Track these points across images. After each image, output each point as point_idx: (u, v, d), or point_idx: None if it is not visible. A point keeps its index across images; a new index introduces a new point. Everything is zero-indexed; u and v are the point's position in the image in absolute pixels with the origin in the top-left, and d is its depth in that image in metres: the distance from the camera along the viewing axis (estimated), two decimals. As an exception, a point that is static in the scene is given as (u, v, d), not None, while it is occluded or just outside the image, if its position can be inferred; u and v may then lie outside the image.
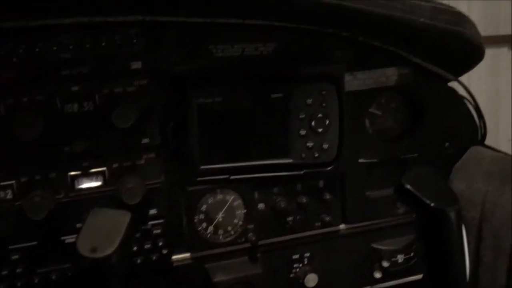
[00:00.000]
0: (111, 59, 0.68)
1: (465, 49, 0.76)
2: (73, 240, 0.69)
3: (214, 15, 0.69)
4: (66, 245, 0.69)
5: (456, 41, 0.73)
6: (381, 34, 0.73)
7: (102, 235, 0.52)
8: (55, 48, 0.66)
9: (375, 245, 0.86)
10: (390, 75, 0.81)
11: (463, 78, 0.85)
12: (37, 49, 0.65)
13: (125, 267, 0.57)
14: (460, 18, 0.72)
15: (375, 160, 0.83)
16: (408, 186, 0.59)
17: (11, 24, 0.62)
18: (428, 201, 0.58)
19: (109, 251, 0.50)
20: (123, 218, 0.55)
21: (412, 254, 0.87)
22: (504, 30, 3.08)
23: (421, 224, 0.62)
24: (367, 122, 0.84)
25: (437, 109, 0.84)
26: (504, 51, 3.16)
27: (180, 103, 0.72)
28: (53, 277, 0.69)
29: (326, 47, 0.76)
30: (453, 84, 0.86)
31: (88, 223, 0.55)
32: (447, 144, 0.86)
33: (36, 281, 0.68)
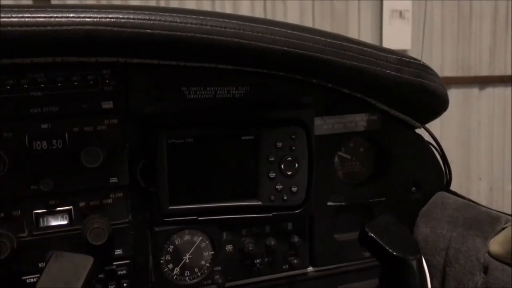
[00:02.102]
0: (82, 98, 0.68)
1: (430, 100, 0.79)
2: (34, 280, 0.68)
3: (187, 59, 0.70)
4: (27, 285, 0.68)
5: (421, 92, 0.76)
6: (349, 82, 0.76)
7: (62, 282, 0.51)
8: (25, 86, 0.66)
9: (342, 288, 0.86)
10: (358, 120, 0.83)
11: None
12: (7, 86, 0.65)
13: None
14: (424, 69, 0.75)
15: (343, 203, 0.84)
16: (371, 234, 0.60)
17: (-19, 62, 0.62)
18: (390, 250, 0.59)
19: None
20: (85, 263, 0.54)
21: (378, 297, 0.88)
22: (474, 71, 3.21)
23: (384, 272, 0.62)
24: (336, 166, 0.85)
25: (404, 154, 0.87)
26: (475, 91, 3.28)
27: (150, 143, 0.72)
28: None
29: (296, 92, 0.78)
30: (420, 130, 0.89)
31: (48, 268, 0.54)
32: (413, 189, 0.88)
33: None
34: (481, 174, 3.22)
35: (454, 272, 0.80)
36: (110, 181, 0.70)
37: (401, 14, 3.16)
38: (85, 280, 0.52)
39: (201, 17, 0.62)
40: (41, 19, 0.57)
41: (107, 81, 0.69)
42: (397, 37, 3.09)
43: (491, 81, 3.25)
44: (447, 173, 0.90)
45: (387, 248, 0.59)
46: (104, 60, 0.68)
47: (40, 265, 0.68)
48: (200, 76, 0.73)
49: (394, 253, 0.59)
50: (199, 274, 0.78)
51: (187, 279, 0.77)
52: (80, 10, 0.58)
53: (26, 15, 0.56)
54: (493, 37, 3.25)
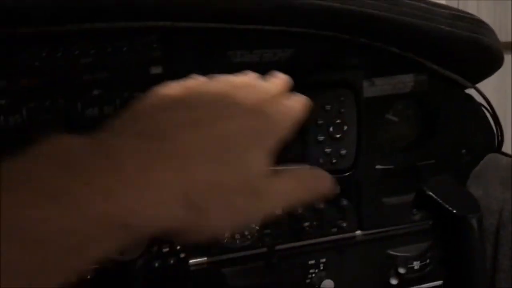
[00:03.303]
0: (131, 64, 0.68)
1: (484, 56, 0.76)
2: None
3: (233, 21, 0.69)
4: None
5: (475, 48, 0.73)
6: (400, 41, 0.74)
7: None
8: (76, 53, 0.66)
9: (391, 252, 0.86)
10: (407, 81, 0.81)
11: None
12: (58, 54, 0.66)
13: (147, 270, 0.57)
14: (479, 25, 0.72)
15: (391, 167, 0.83)
16: (430, 193, 0.59)
17: (34, 30, 0.63)
18: (450, 208, 0.58)
19: (136, 254, 0.50)
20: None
21: (428, 261, 0.87)
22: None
23: (441, 231, 0.61)
24: (383, 129, 0.84)
25: (454, 116, 0.84)
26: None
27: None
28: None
29: (343, 53, 0.76)
30: (470, 91, 0.86)
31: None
32: (463, 151, 0.86)
33: None
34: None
35: (508, 234, 0.78)
36: None
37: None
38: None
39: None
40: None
41: (155, 45, 0.69)
42: None
43: (531, 46, 3.12)
44: (499, 134, 0.87)
45: (447, 206, 0.58)
46: (151, 25, 0.67)
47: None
48: (246, 39, 0.72)
49: (454, 211, 0.57)
50: (249, 237, 0.79)
51: (237, 242, 0.78)
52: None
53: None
54: (534, 0, 3.10)
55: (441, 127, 0.84)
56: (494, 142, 0.88)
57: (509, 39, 3.04)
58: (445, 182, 0.61)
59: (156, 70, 0.69)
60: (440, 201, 0.58)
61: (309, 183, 0.43)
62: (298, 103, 0.45)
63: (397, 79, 0.80)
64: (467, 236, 0.58)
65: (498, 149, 0.88)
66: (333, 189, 0.44)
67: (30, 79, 0.65)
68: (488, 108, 0.87)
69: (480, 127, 0.86)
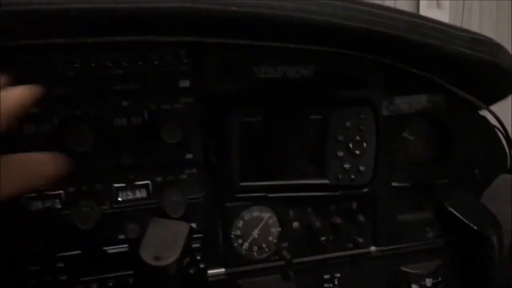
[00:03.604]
0: (161, 76, 0.70)
1: (501, 80, 0.78)
2: (115, 251, 0.71)
3: (259, 38, 0.72)
4: (108, 255, 0.71)
5: (494, 71, 0.76)
6: (419, 61, 0.76)
7: (164, 245, 0.54)
8: (109, 64, 0.68)
9: (404, 268, 0.87)
10: (424, 101, 0.83)
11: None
12: (92, 64, 0.68)
13: (177, 277, 0.58)
14: (498, 49, 0.74)
15: (407, 184, 0.84)
16: (451, 209, 0.61)
17: (68, 41, 0.65)
18: (471, 225, 0.59)
19: (171, 260, 0.51)
20: (183, 229, 0.56)
21: (439, 278, 0.88)
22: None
23: (461, 248, 0.63)
24: (399, 147, 0.86)
25: (468, 136, 0.86)
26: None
27: (222, 121, 0.74)
28: (94, 287, 0.70)
29: (364, 72, 0.78)
30: (483, 112, 0.88)
31: (149, 232, 0.57)
32: (476, 170, 0.88)
33: None
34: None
35: (520, 253, 0.79)
36: (186, 157, 0.73)
37: (438, 4, 3.11)
38: (184, 243, 0.54)
39: (281, -5, 0.63)
40: (135, -4, 0.59)
41: (184, 60, 0.71)
42: (435, 26, 3.04)
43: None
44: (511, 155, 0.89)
45: (467, 222, 0.59)
46: (182, 39, 0.70)
47: (119, 237, 0.71)
48: (271, 56, 0.75)
49: (475, 228, 0.59)
50: (267, 250, 0.80)
51: (255, 254, 0.79)
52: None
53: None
54: (535, 26, 3.16)
55: (455, 147, 0.87)
56: (506, 163, 0.90)
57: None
58: (466, 199, 0.63)
59: (184, 83, 0.72)
60: (462, 218, 0.59)
61: (30, 168, 0.43)
62: (13, 92, 0.44)
63: (414, 98, 0.82)
64: (487, 253, 0.59)
65: (510, 170, 0.90)
66: (59, 171, 0.44)
67: (63, 88, 0.67)
68: (501, 129, 0.89)
69: (493, 148, 0.88)
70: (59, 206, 0.68)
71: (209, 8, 0.60)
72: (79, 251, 0.69)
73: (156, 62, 0.70)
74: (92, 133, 0.66)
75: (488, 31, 3.08)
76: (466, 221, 0.59)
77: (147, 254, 0.53)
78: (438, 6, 3.10)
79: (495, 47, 0.74)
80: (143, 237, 0.57)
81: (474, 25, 3.10)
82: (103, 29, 0.65)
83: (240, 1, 0.62)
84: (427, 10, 3.07)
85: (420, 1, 3.05)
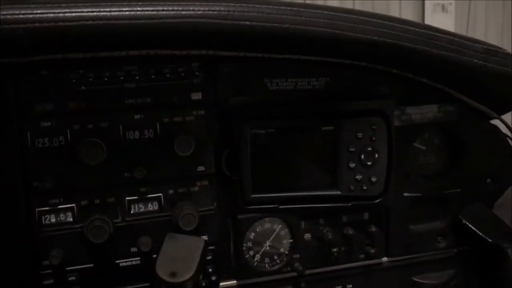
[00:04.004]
0: (173, 90, 0.71)
1: (513, 90, 0.78)
2: (127, 264, 0.71)
3: (271, 51, 0.72)
4: (120, 268, 0.71)
5: (507, 82, 0.75)
6: (432, 72, 0.76)
7: (180, 261, 0.54)
8: (122, 77, 0.69)
9: (416, 279, 0.87)
10: (436, 111, 0.83)
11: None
12: (105, 78, 0.68)
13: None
14: (510, 59, 0.74)
15: (419, 195, 0.84)
16: (466, 222, 0.60)
17: (81, 55, 0.65)
18: (486, 237, 0.59)
19: (187, 276, 0.51)
20: (198, 244, 0.56)
21: (451, 289, 0.88)
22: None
23: (475, 260, 0.63)
24: (411, 157, 0.86)
25: (480, 146, 0.86)
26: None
27: (234, 133, 0.74)
28: None
29: (375, 83, 0.78)
30: (495, 121, 0.88)
31: (164, 248, 0.57)
32: (489, 180, 0.87)
33: None
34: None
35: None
36: (198, 169, 0.73)
37: (443, 8, 3.10)
38: (200, 259, 0.54)
39: (295, 8, 0.63)
40: (149, 12, 0.59)
41: (197, 73, 0.71)
42: (441, 31, 3.03)
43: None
44: (523, 165, 0.89)
45: (483, 235, 0.59)
46: (194, 53, 0.70)
47: (132, 250, 0.71)
48: (282, 68, 0.75)
49: (490, 240, 0.59)
50: (279, 262, 0.80)
51: (267, 266, 0.79)
52: (184, 3, 0.60)
53: (136, 9, 0.59)
54: (541, 29, 3.15)
55: (467, 156, 0.86)
56: (518, 172, 0.89)
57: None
58: (481, 211, 0.63)
59: (196, 96, 0.72)
60: (477, 231, 0.59)
61: None
62: None
63: (426, 108, 0.82)
64: (503, 265, 0.59)
65: (522, 179, 0.89)
66: None
67: (76, 102, 0.67)
68: (513, 138, 0.88)
69: (505, 157, 0.88)
70: (71, 220, 0.68)
71: (223, 23, 0.61)
72: (91, 264, 0.70)
73: (168, 75, 0.70)
74: (104, 146, 0.67)
75: (493, 34, 3.08)
76: (481, 234, 0.59)
77: (163, 271, 0.53)
78: (444, 10, 3.10)
79: (508, 57, 0.74)
80: (159, 253, 0.57)
81: (479, 29, 3.09)
82: (116, 44, 0.65)
83: (252, 14, 0.62)
84: (432, 14, 3.07)
85: (426, 4, 3.04)
